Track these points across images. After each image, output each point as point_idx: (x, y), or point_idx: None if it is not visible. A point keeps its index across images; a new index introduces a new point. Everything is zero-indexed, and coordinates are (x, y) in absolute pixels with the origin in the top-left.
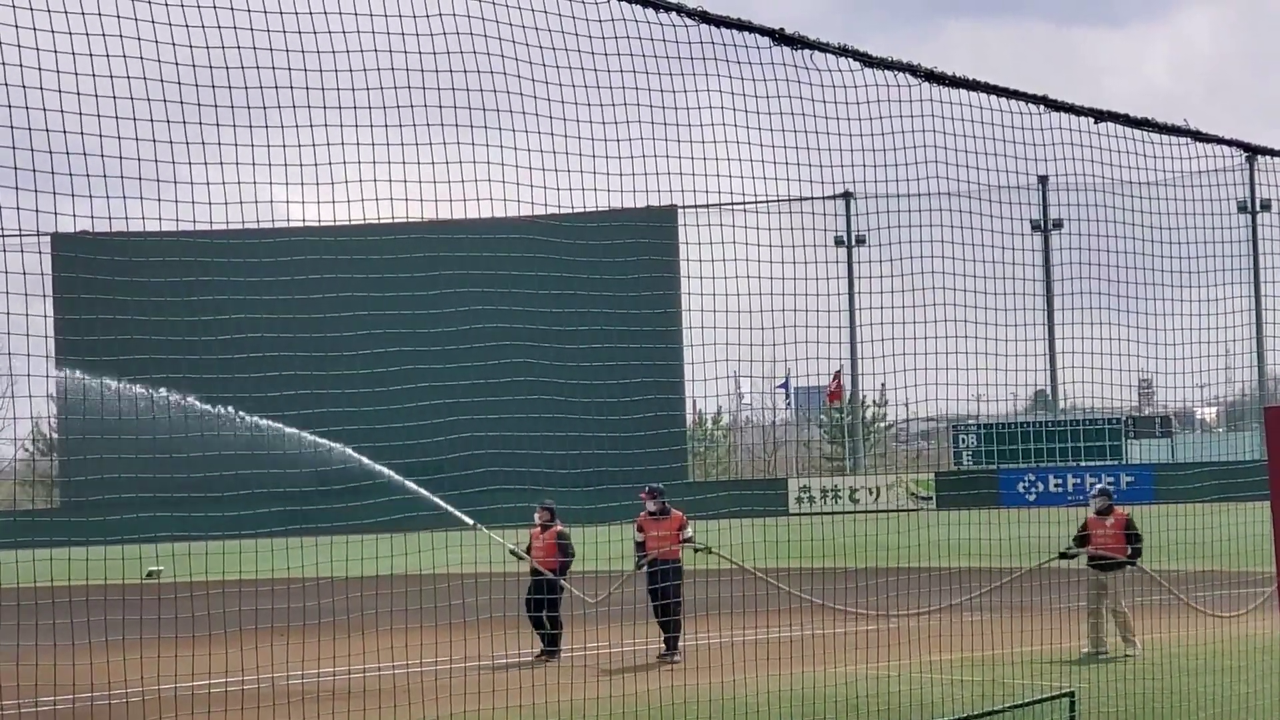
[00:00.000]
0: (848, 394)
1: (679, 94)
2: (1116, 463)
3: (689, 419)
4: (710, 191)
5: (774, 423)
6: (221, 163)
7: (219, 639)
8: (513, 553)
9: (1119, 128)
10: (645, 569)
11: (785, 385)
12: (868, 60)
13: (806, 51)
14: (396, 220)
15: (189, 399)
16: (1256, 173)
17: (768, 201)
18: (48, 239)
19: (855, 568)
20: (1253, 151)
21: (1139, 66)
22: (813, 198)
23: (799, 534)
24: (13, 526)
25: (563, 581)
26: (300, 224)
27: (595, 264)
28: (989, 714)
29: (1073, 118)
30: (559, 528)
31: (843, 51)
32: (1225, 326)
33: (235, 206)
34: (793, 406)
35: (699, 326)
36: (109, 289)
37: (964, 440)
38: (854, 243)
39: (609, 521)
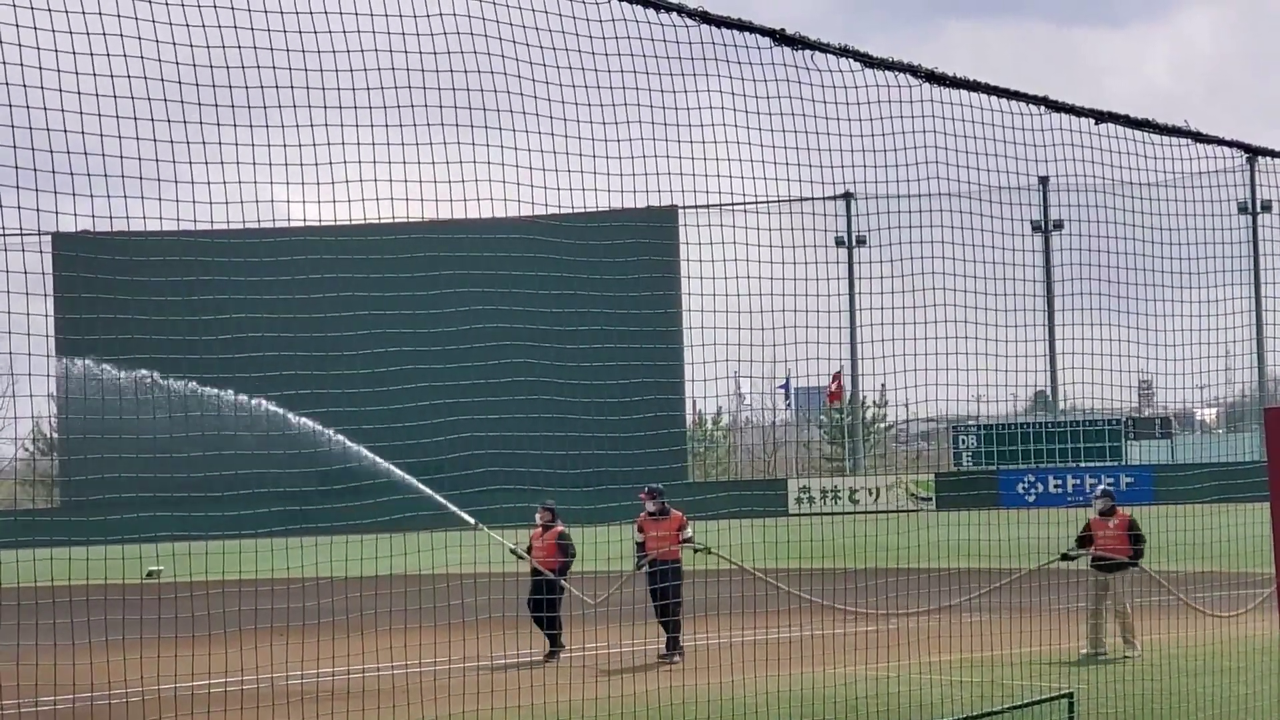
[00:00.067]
0: (848, 394)
1: (679, 94)
2: (1116, 464)
3: (689, 419)
4: (710, 191)
5: (774, 423)
6: (222, 162)
7: (219, 639)
8: (513, 552)
9: (1119, 128)
10: (645, 569)
11: (785, 386)
12: (868, 61)
13: (807, 52)
14: (397, 220)
15: (189, 383)
16: (1257, 174)
17: (768, 201)
18: (49, 238)
19: (855, 568)
20: (1253, 152)
21: (1139, 67)
22: (813, 198)
23: (799, 535)
24: (13, 526)
25: (563, 582)
26: (300, 224)
27: (595, 264)
28: (988, 715)
29: (1073, 118)
30: (560, 528)
31: (843, 52)
32: (1225, 327)
33: (235, 206)
34: (793, 407)
35: (699, 326)
36: (110, 288)
37: (964, 441)
38: (854, 243)
39: (609, 522)
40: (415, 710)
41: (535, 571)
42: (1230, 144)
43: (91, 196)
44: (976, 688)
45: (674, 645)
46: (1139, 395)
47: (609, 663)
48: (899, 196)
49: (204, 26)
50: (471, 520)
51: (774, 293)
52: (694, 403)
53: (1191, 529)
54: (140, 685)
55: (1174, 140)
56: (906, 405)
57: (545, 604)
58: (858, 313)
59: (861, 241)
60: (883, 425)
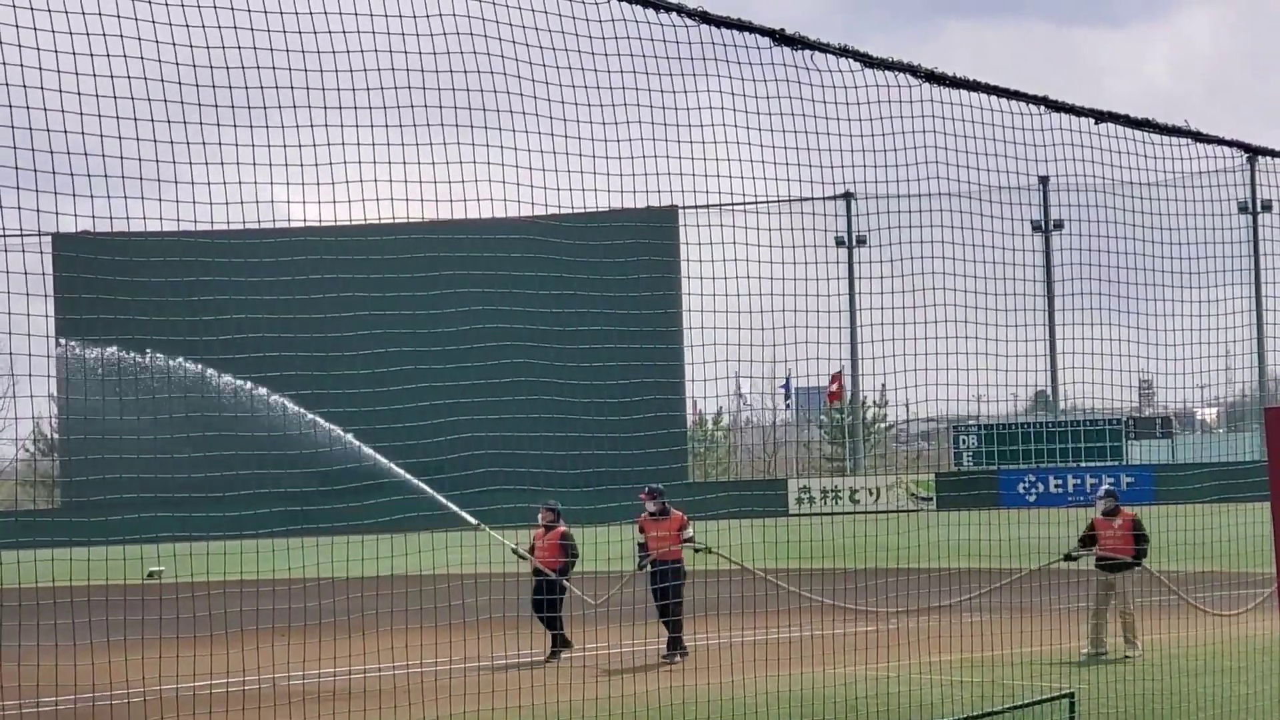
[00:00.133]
0: (848, 394)
1: (679, 94)
2: (1117, 463)
3: (689, 419)
4: (710, 191)
5: (774, 423)
6: (222, 163)
7: (220, 639)
8: (514, 552)
9: (1119, 128)
10: (647, 569)
11: (785, 386)
12: (868, 61)
13: (807, 52)
14: (397, 220)
15: (192, 362)
16: (1257, 173)
17: (768, 201)
18: (49, 239)
19: (855, 568)
20: (1253, 152)
21: (1139, 67)
22: (813, 198)
23: (799, 535)
24: (14, 526)
25: (564, 581)
26: (301, 224)
27: (595, 264)
28: (989, 715)
29: (1073, 118)
30: (562, 528)
31: (843, 52)
32: (1225, 327)
33: (235, 206)
34: (793, 407)
35: (699, 327)
36: (110, 289)
37: (964, 441)
38: (854, 243)
39: (609, 522)
40: (416, 711)
41: (537, 572)
42: (1230, 144)
43: (92, 197)
44: (977, 688)
45: (675, 645)
46: (1139, 395)
47: (609, 663)
48: (899, 196)
49: (204, 27)
50: (473, 521)
51: (774, 293)
52: (694, 403)
53: (1192, 529)
54: (141, 686)
55: (1174, 140)
56: (906, 405)
57: (546, 604)
58: (858, 313)
59: (861, 241)
60: (883, 425)
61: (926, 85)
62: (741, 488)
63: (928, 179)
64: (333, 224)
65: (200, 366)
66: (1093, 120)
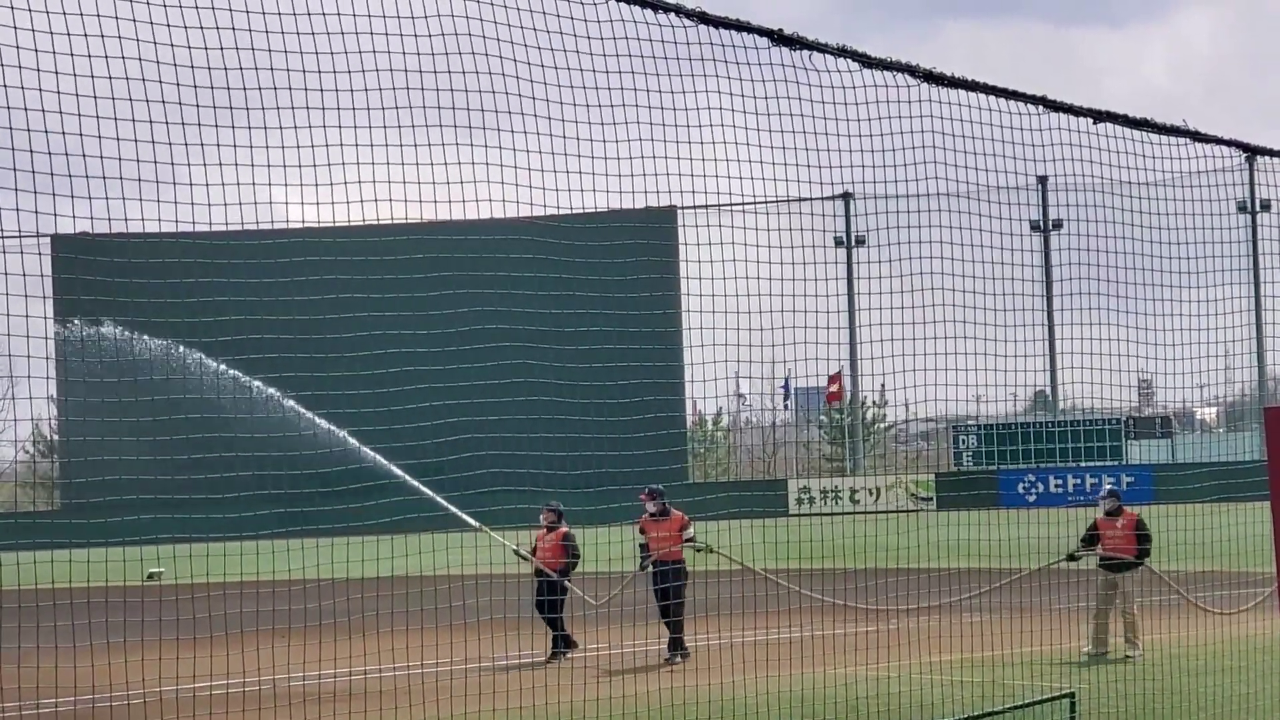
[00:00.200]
0: (848, 395)
1: (678, 94)
2: (1116, 463)
3: (689, 420)
4: (710, 192)
5: (774, 424)
6: (221, 163)
7: (220, 641)
8: (516, 553)
9: (1118, 128)
10: (649, 570)
11: (785, 386)
12: (867, 61)
13: (805, 52)
14: (396, 221)
15: (193, 352)
16: (1255, 173)
17: (768, 202)
18: (48, 240)
19: (855, 568)
20: (1252, 152)
21: (1138, 67)
22: (812, 198)
23: (799, 535)
24: (13, 528)
25: (565, 582)
26: (300, 224)
27: (595, 265)
28: (989, 715)
29: (1072, 118)
30: (565, 529)
31: (841, 52)
32: (1225, 327)
33: (235, 207)
34: (793, 407)
35: (699, 327)
36: (109, 290)
37: (964, 441)
38: (854, 243)
39: (609, 523)
40: (417, 711)
41: (539, 573)
42: (1229, 143)
43: (90, 198)
44: (977, 688)
45: (677, 646)
46: (1139, 395)
47: (611, 663)
48: (898, 196)
49: (203, 28)
50: (474, 523)
51: (773, 293)
52: (694, 403)
53: (1192, 528)
54: (141, 687)
55: (1172, 140)
56: (906, 405)
57: (548, 605)
58: (857, 313)
59: (861, 241)
60: (883, 425)
61: (925, 85)
62: (741, 488)
63: (926, 179)
64: (332, 224)
65: (200, 367)
66: (1091, 120)
